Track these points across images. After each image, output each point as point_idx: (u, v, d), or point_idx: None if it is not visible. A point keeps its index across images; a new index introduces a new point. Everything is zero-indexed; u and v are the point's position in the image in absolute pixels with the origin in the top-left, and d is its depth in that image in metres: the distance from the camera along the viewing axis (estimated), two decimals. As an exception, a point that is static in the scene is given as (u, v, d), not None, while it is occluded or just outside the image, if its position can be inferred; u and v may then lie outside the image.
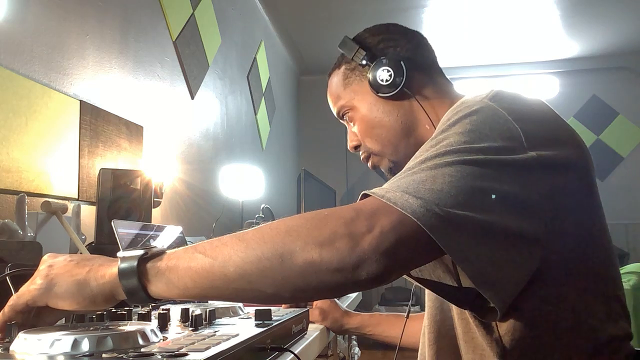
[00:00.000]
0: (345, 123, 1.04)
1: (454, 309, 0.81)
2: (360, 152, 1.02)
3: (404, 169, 0.66)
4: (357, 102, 0.98)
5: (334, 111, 1.04)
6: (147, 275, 0.60)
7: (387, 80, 0.93)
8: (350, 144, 1.03)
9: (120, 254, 0.61)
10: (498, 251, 0.61)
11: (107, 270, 0.61)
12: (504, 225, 0.61)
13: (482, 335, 0.74)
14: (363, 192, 0.63)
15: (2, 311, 0.64)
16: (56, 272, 0.62)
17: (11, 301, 0.64)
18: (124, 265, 0.60)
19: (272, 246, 0.57)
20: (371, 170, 1.03)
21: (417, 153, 0.69)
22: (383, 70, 0.93)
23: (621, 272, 3.51)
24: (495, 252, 0.60)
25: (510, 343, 0.71)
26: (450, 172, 0.61)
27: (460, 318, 0.79)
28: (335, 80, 1.02)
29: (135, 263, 0.60)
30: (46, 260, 0.64)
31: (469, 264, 0.58)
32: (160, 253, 0.62)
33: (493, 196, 0.61)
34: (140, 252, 0.61)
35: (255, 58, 3.89)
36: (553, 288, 0.69)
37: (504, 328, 0.71)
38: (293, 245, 0.56)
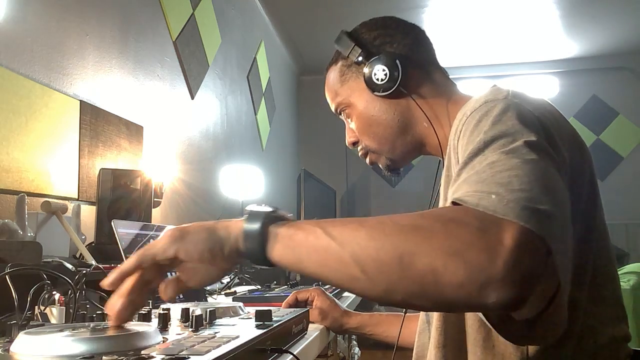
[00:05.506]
0: (343, 119, 1.04)
1: (470, 317, 0.78)
2: (359, 149, 1.02)
3: (468, 175, 0.59)
4: (354, 99, 0.98)
5: (332, 107, 1.04)
6: (268, 235, 0.59)
7: (382, 80, 0.92)
8: (349, 140, 1.03)
9: (248, 207, 0.61)
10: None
11: (233, 223, 0.61)
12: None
13: (508, 344, 0.71)
14: (453, 200, 0.56)
15: (127, 260, 0.62)
16: (185, 225, 0.62)
17: (139, 252, 0.61)
18: (249, 221, 0.60)
19: (393, 242, 0.51)
20: (372, 171, 1.04)
21: (465, 157, 0.62)
22: (378, 69, 0.92)
23: (621, 272, 3.47)
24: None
25: (535, 351, 0.70)
26: (531, 168, 0.56)
27: (481, 325, 0.75)
28: (332, 76, 1.02)
29: (260, 222, 0.59)
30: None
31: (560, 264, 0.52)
32: (285, 217, 0.61)
33: (561, 191, 0.57)
34: (268, 209, 0.60)
35: (255, 58, 3.89)
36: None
37: None
38: (416, 247, 0.50)
